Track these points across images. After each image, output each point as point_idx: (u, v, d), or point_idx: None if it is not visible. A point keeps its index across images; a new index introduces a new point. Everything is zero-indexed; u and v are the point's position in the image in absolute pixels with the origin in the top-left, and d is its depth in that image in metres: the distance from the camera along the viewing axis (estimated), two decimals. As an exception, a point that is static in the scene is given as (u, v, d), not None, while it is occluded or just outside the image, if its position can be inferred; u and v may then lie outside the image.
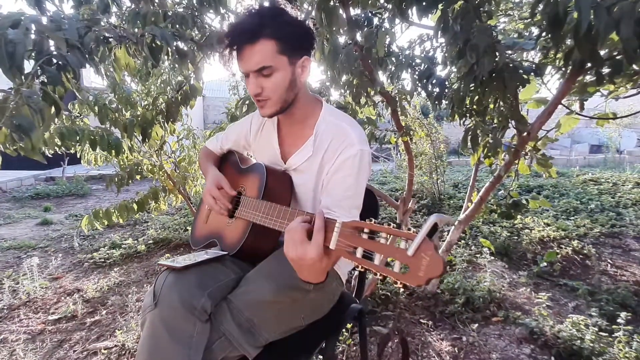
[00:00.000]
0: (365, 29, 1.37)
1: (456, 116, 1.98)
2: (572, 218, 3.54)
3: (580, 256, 2.64)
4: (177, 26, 1.42)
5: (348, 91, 1.63)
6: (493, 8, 1.39)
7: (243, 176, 1.08)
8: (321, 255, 0.64)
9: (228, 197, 1.03)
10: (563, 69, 1.34)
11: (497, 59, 1.20)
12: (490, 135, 1.33)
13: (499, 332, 1.71)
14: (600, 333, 1.56)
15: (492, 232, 3.10)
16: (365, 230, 0.60)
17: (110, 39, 1.18)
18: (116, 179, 2.22)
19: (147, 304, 0.82)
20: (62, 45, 1.05)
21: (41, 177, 7.04)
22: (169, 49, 1.23)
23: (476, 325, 1.71)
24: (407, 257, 0.54)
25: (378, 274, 0.56)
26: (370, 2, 1.36)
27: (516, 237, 3.01)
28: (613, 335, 1.56)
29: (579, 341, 1.51)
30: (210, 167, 1.14)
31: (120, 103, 2.06)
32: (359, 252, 0.60)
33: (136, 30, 1.27)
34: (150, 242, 3.14)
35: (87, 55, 1.13)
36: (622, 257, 2.66)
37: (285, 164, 1.02)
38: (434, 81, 1.85)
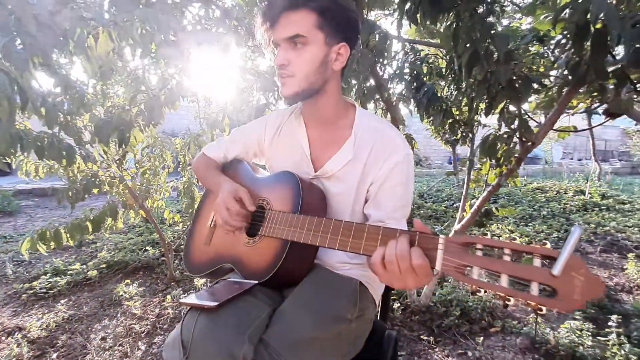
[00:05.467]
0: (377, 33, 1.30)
1: (447, 125, 2.00)
2: (530, 224, 3.78)
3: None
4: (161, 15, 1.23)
5: (355, 96, 1.54)
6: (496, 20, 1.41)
7: (262, 187, 0.92)
8: (430, 278, 0.52)
9: (247, 212, 0.87)
10: (563, 80, 1.38)
11: (513, 68, 1.20)
12: (505, 144, 1.32)
13: (501, 343, 1.69)
14: (599, 338, 1.60)
15: (466, 241, 3.17)
16: (479, 246, 0.50)
17: (90, 21, 0.97)
18: (70, 193, 1.88)
19: (173, 359, 0.63)
20: (30, 23, 0.83)
21: (-47, 193, 5.96)
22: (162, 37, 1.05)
23: (481, 338, 1.67)
24: (550, 277, 0.44)
25: (512, 299, 0.46)
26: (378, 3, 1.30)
27: (488, 245, 3.11)
28: (606, 339, 1.61)
29: (580, 347, 1.54)
30: (219, 176, 0.97)
31: (73, 104, 1.76)
32: (475, 273, 0.49)
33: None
34: (103, 265, 2.72)
35: (61, 38, 0.91)
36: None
37: (316, 171, 0.89)
38: (426, 89, 1.85)
